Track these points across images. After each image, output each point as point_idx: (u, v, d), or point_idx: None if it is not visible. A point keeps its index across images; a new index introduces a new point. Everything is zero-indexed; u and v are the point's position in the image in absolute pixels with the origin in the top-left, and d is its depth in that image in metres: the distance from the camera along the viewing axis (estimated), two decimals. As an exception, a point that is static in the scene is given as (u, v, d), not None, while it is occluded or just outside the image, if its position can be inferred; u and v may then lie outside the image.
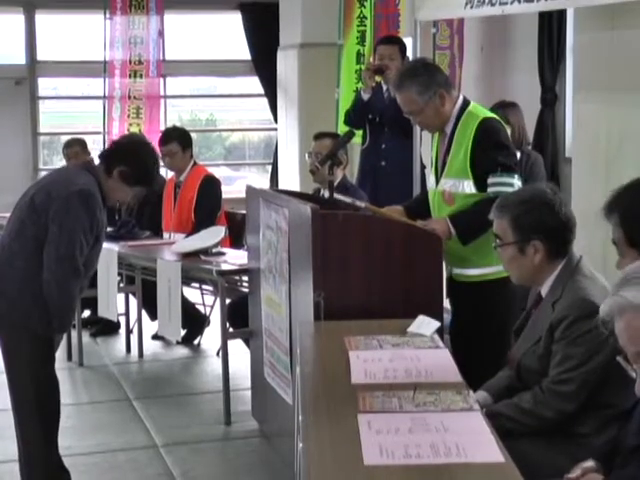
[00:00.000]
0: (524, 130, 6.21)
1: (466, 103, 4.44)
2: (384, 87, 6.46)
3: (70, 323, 4.39)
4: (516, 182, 4.29)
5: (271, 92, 10.81)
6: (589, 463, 2.77)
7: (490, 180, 4.28)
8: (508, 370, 3.58)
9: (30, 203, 4.24)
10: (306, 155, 6.15)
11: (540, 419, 3.26)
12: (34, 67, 11.39)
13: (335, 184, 4.95)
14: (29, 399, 4.27)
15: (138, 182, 4.37)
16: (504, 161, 4.28)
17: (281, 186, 9.66)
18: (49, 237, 4.15)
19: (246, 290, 5.79)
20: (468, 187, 4.33)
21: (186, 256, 6.21)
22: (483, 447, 2.47)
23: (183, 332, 6.72)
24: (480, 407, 2.83)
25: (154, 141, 9.20)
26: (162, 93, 11.38)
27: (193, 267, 6.10)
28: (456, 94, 4.47)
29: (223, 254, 6.25)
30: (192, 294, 7.38)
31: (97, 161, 4.43)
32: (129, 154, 4.36)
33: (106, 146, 4.39)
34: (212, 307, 7.43)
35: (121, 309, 7.15)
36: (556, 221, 3.33)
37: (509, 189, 4.19)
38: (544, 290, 3.42)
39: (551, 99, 7.03)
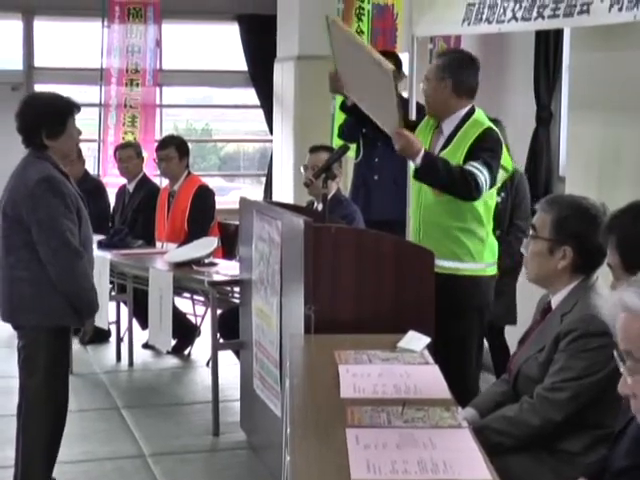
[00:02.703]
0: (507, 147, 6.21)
1: (472, 110, 4.61)
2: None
3: (96, 300, 4.32)
4: (486, 176, 4.37)
5: (267, 103, 10.82)
6: None
7: (468, 162, 4.40)
8: (501, 383, 3.57)
9: (4, 217, 4.23)
10: (301, 168, 6.15)
11: (526, 427, 3.22)
12: (31, 73, 11.38)
13: (329, 197, 4.96)
14: (41, 407, 4.26)
15: (64, 119, 4.26)
16: (488, 160, 4.42)
17: (275, 198, 9.65)
18: (36, 238, 4.14)
19: (237, 301, 5.79)
20: None
21: (178, 266, 6.21)
22: (470, 464, 2.47)
23: (173, 342, 6.72)
24: (468, 424, 2.83)
25: (150, 150, 9.26)
26: (158, 102, 11.40)
27: (185, 277, 6.10)
28: (469, 103, 4.61)
29: (215, 265, 6.26)
30: (183, 304, 7.37)
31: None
32: (32, 118, 4.26)
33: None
34: (203, 317, 7.42)
35: (112, 317, 7.14)
36: (596, 241, 3.17)
37: (479, 175, 4.33)
38: (555, 301, 3.39)
39: (546, 117, 7.03)
